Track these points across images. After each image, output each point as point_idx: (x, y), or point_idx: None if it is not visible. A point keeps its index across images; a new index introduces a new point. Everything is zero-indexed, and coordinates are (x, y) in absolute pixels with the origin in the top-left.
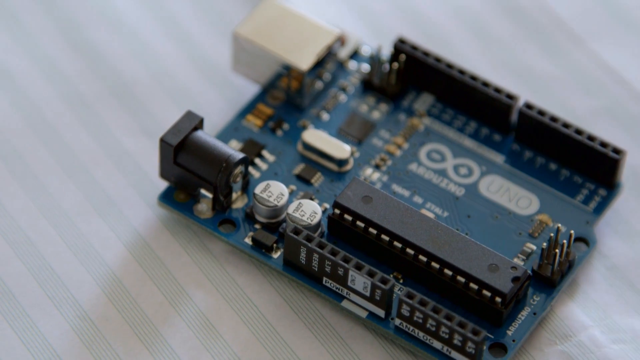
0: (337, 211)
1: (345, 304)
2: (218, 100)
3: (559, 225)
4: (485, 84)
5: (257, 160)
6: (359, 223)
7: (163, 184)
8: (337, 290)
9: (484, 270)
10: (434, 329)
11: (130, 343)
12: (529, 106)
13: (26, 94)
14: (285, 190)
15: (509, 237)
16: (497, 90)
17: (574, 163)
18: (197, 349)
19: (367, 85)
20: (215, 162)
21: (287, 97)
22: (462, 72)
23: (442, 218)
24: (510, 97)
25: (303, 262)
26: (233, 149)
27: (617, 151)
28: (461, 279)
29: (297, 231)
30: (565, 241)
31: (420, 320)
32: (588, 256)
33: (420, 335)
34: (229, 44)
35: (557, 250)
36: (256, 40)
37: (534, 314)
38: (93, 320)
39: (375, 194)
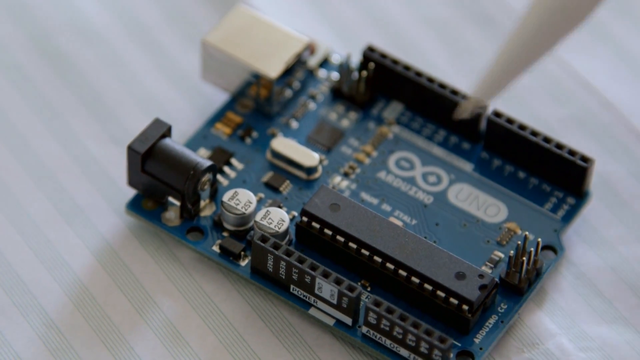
0: (304, 219)
1: (312, 311)
2: (187, 109)
3: (527, 233)
4: (454, 92)
5: (226, 168)
6: (326, 231)
7: (131, 192)
8: (304, 298)
9: (452, 278)
10: (400, 336)
11: (97, 351)
12: (497, 114)
13: None
14: (253, 198)
15: (477, 245)
16: (466, 98)
17: (543, 171)
18: (164, 357)
19: (337, 94)
20: (182, 170)
21: (256, 105)
22: (430, 80)
23: (411, 226)
24: None
25: (270, 270)
26: (201, 157)
27: (585, 159)
28: (428, 286)
29: (264, 239)
30: (533, 249)
31: (387, 328)
32: (556, 264)
33: (388, 343)
34: (198, 52)
35: (524, 258)
36: (225, 48)
37: (502, 321)
38: (59, 328)
39: (343, 202)
